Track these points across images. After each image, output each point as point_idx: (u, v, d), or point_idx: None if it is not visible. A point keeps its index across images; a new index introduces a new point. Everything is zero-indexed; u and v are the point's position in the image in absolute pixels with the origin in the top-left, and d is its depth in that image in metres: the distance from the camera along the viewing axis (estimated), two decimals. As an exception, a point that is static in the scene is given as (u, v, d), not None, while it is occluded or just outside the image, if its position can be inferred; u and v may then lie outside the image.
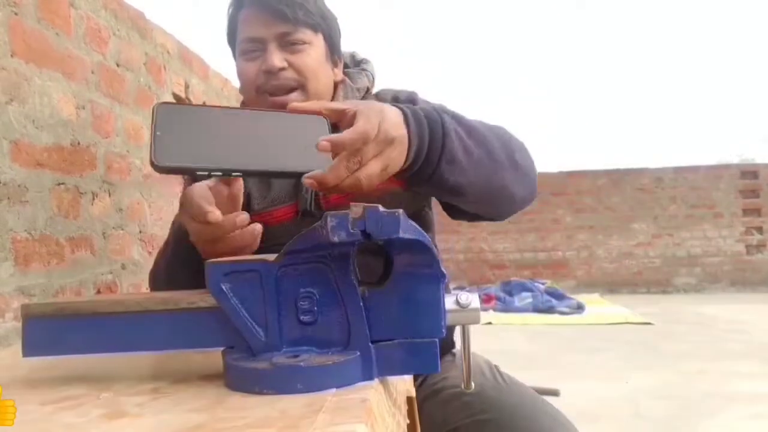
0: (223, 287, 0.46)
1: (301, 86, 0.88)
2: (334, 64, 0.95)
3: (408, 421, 0.54)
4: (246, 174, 0.60)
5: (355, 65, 1.02)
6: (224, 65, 2.07)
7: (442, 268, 0.46)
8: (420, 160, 0.67)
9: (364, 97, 0.96)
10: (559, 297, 4.97)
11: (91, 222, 1.19)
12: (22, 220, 0.98)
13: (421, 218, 0.94)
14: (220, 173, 0.59)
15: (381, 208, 0.44)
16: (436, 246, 0.70)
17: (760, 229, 6.28)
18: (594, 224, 6.43)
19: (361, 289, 0.46)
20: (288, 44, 0.88)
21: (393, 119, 0.62)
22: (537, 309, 4.83)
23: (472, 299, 0.48)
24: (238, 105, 1.01)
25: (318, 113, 0.64)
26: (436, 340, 0.46)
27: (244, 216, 0.64)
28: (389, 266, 0.46)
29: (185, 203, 0.66)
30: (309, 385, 0.42)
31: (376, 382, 0.45)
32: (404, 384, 0.59)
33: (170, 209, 1.55)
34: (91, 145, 1.20)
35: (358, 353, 0.44)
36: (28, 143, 1.00)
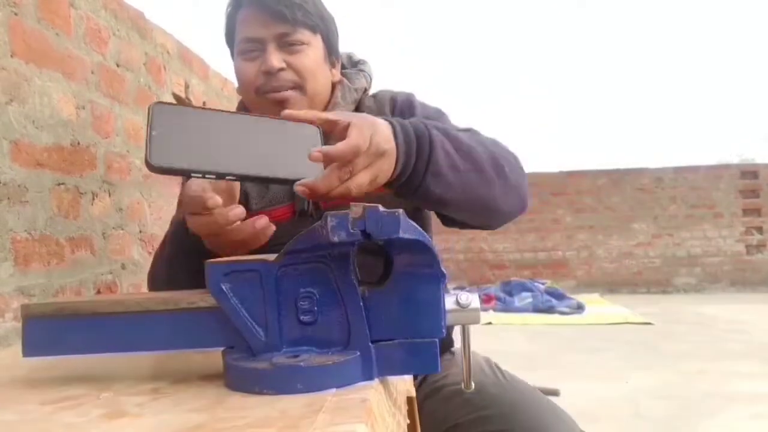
0: (223, 287, 0.46)
1: (299, 87, 0.88)
2: (332, 65, 0.95)
3: (408, 421, 0.54)
4: (239, 178, 0.61)
5: (352, 66, 1.02)
6: (224, 65, 2.07)
7: (442, 268, 0.46)
8: (407, 172, 0.69)
9: (361, 98, 0.97)
10: (559, 297, 4.97)
11: (91, 222, 1.19)
12: (22, 220, 0.98)
13: (419, 218, 0.94)
14: (213, 176, 0.59)
15: (381, 208, 0.44)
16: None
17: (760, 229, 6.29)
18: (594, 224, 6.43)
19: (361, 289, 0.46)
20: (287, 45, 0.88)
21: (383, 132, 0.64)
22: (537, 309, 4.83)
23: (472, 299, 0.48)
24: (237, 104, 1.01)
25: (311, 122, 0.65)
26: (436, 340, 0.46)
27: (239, 210, 0.65)
28: (389, 266, 0.46)
29: (184, 196, 0.67)
30: (309, 385, 0.42)
31: (376, 382, 0.45)
32: (404, 384, 0.59)
33: (170, 209, 1.55)
34: (91, 145, 1.20)
35: (358, 353, 0.44)
36: (28, 143, 1.00)
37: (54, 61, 1.09)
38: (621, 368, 2.97)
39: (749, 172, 6.42)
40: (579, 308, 4.79)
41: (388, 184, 0.68)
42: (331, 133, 0.64)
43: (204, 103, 1.87)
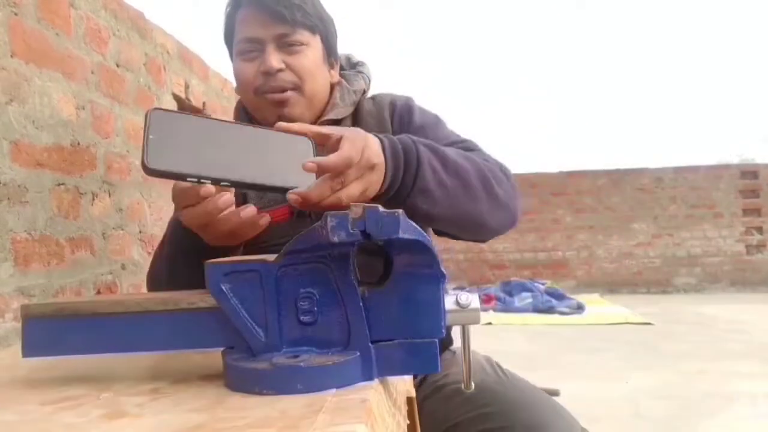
0: (223, 287, 0.46)
1: (298, 87, 0.88)
2: (331, 66, 0.95)
3: (408, 422, 0.54)
4: (234, 185, 0.63)
5: (351, 67, 1.02)
6: (224, 66, 2.07)
7: (442, 269, 0.46)
8: (395, 186, 0.71)
9: (360, 100, 0.97)
10: (559, 297, 4.97)
11: (91, 222, 1.19)
12: (22, 220, 0.98)
13: None
14: (209, 181, 0.61)
15: (381, 208, 0.44)
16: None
17: (760, 229, 6.28)
18: (594, 224, 6.43)
19: (361, 289, 0.46)
20: (286, 45, 0.88)
21: (373, 146, 0.67)
22: (537, 309, 4.83)
23: (472, 299, 0.48)
24: (236, 105, 1.01)
25: (304, 135, 0.67)
26: (436, 340, 0.46)
27: (227, 196, 0.66)
28: (389, 266, 0.46)
29: (176, 190, 0.68)
30: (309, 386, 0.42)
31: (376, 382, 0.45)
32: (404, 384, 0.59)
33: (170, 209, 1.54)
34: (91, 146, 1.20)
35: (358, 353, 0.44)
36: (28, 143, 1.00)
37: (54, 61, 1.09)
38: (621, 368, 2.97)
39: (749, 172, 6.42)
40: (579, 308, 4.79)
41: (376, 198, 0.70)
42: (323, 146, 0.66)
43: (204, 103, 1.87)
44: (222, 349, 0.47)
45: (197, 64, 1.85)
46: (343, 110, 0.94)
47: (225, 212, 0.66)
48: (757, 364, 2.98)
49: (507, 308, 4.90)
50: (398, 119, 0.94)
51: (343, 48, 0.99)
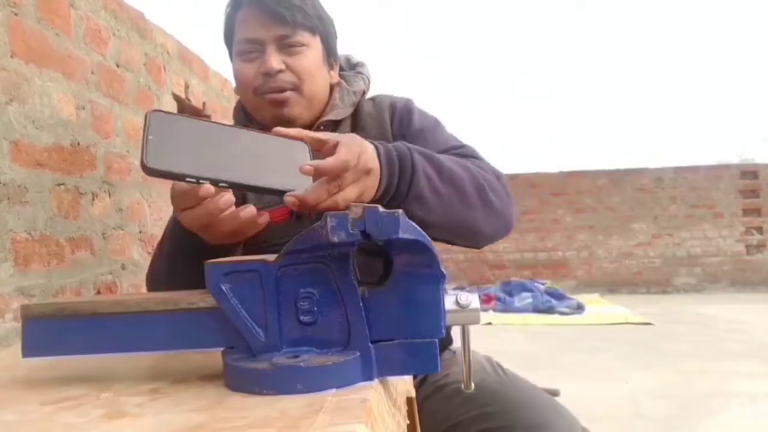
0: (223, 287, 0.46)
1: (297, 88, 0.88)
2: (330, 67, 0.95)
3: (408, 422, 0.54)
4: (232, 186, 0.63)
5: (350, 68, 1.02)
6: (224, 66, 2.07)
7: (442, 269, 0.46)
8: (390, 192, 0.72)
9: (360, 101, 0.97)
10: (559, 297, 4.97)
11: (91, 222, 1.19)
12: (22, 220, 0.98)
13: None
14: (207, 182, 0.61)
15: (380, 208, 0.44)
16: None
17: (760, 229, 6.28)
18: (594, 224, 6.43)
19: (361, 289, 0.46)
20: (286, 46, 0.88)
21: (369, 152, 0.68)
22: (537, 309, 4.83)
23: (471, 299, 0.48)
24: (236, 105, 1.01)
25: (301, 140, 0.68)
26: (436, 340, 0.46)
27: (228, 196, 0.66)
28: (389, 266, 0.46)
29: (175, 192, 0.68)
30: (309, 386, 0.42)
31: (376, 382, 0.45)
32: (404, 384, 0.59)
33: (170, 209, 1.54)
34: (91, 146, 1.20)
35: (358, 353, 0.44)
36: (28, 143, 1.00)
37: (54, 61, 1.09)
38: (621, 368, 2.97)
39: (749, 172, 6.42)
40: (579, 308, 4.78)
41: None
42: (320, 151, 0.67)
43: (204, 103, 1.87)
44: (222, 349, 0.47)
45: (197, 64, 1.85)
46: (342, 111, 0.94)
47: (226, 212, 0.66)
48: (757, 364, 2.98)
49: (507, 308, 4.90)
50: (398, 121, 0.94)
51: (342, 48, 1.00)
